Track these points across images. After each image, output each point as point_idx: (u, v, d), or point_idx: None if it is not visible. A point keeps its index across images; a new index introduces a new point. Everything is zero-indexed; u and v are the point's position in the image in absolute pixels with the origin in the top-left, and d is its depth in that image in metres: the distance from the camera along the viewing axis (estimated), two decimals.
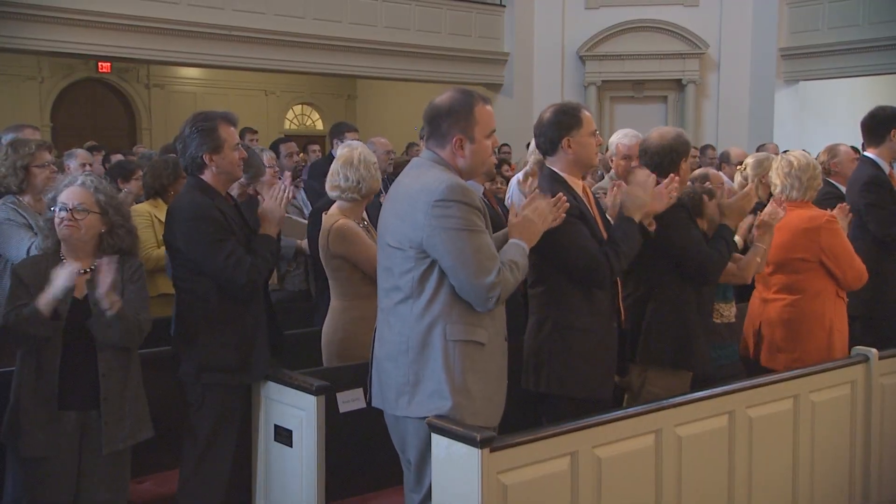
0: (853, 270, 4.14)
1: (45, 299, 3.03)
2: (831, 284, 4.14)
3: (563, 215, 3.14)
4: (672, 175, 3.57)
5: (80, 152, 6.35)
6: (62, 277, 3.03)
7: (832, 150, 6.51)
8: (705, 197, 3.82)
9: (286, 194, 3.63)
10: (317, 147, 8.85)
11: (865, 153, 5.04)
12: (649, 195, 3.43)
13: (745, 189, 3.92)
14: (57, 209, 3.17)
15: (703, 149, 9.83)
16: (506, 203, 5.09)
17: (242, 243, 3.45)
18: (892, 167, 5.14)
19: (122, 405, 3.22)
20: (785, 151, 5.17)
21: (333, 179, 3.99)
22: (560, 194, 3.17)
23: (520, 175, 5.33)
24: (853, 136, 8.18)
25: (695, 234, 3.68)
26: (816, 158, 7.42)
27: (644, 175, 3.47)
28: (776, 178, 4.28)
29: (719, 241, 3.72)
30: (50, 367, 3.12)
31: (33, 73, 15.69)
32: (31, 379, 3.13)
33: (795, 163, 4.22)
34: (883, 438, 3.96)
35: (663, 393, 3.59)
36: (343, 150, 4.08)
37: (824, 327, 4.13)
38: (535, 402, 3.48)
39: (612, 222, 3.53)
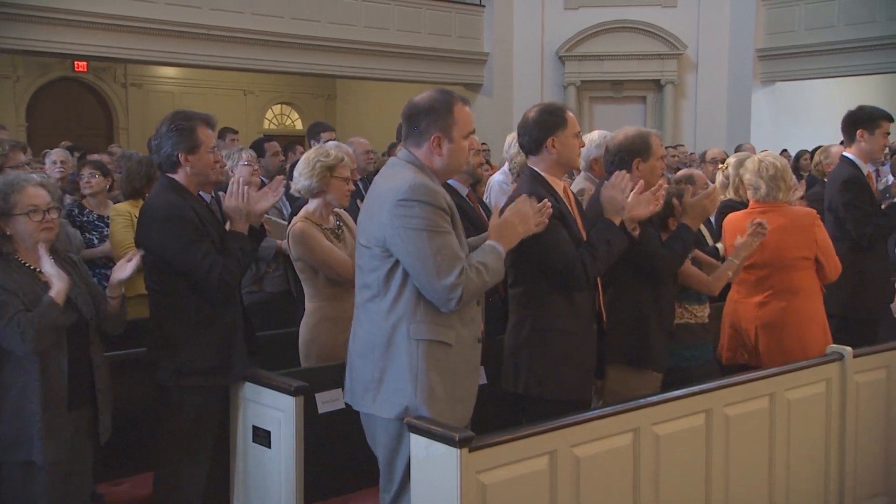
0: (835, 263, 4.24)
1: (58, 290, 3.06)
2: (818, 281, 4.23)
3: (546, 221, 3.14)
4: (660, 183, 3.57)
5: (55, 151, 6.35)
6: (48, 266, 3.09)
7: (825, 151, 6.60)
8: (675, 199, 3.85)
9: (243, 189, 3.48)
10: (301, 148, 8.82)
11: (845, 153, 5.09)
12: (626, 196, 3.43)
13: (709, 189, 3.91)
14: None
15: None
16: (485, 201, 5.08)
17: (217, 244, 3.41)
18: (877, 167, 5.19)
19: (108, 394, 3.32)
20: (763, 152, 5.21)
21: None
22: (545, 200, 3.17)
23: (498, 175, 5.34)
24: (829, 137, 8.28)
25: (648, 232, 3.66)
26: (811, 159, 7.53)
27: (619, 177, 3.47)
28: (750, 180, 4.31)
29: (675, 240, 3.73)
30: (56, 368, 3.09)
31: (8, 72, 15.50)
32: (34, 382, 3.05)
33: (767, 165, 4.23)
34: (858, 436, 4.00)
35: (625, 391, 3.61)
36: None
37: (819, 324, 4.21)
38: (515, 402, 3.48)
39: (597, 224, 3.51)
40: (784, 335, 4.16)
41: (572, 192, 3.62)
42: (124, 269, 3.27)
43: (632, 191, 3.46)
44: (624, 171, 3.53)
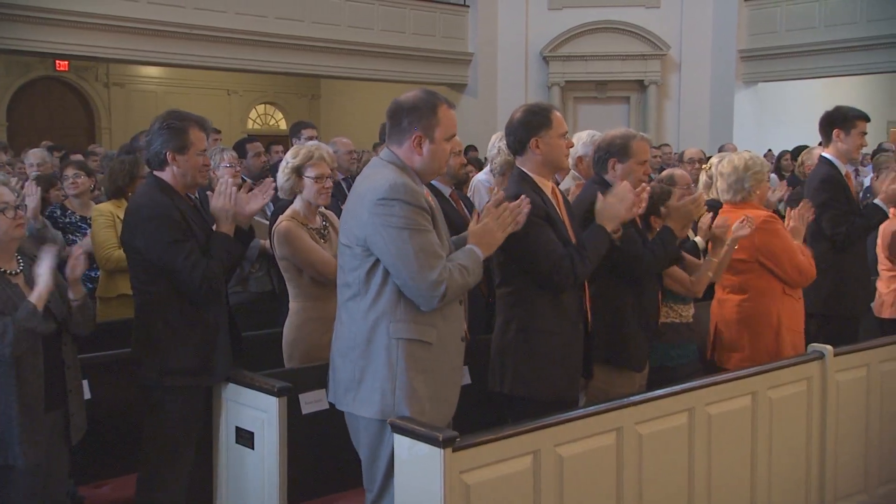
0: (795, 269, 4.16)
1: (39, 295, 3.01)
2: (777, 283, 4.17)
3: (523, 220, 3.11)
4: (643, 185, 3.56)
5: (33, 151, 6.34)
6: (45, 268, 3.03)
7: (809, 153, 6.67)
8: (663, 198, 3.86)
9: (230, 190, 3.46)
10: (280, 147, 8.80)
11: (823, 154, 5.13)
12: (626, 209, 3.42)
13: (695, 195, 3.90)
14: None
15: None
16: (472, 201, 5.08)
17: (202, 244, 3.39)
18: (857, 168, 5.21)
19: (80, 393, 3.29)
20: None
21: None
22: (522, 197, 3.15)
23: (482, 175, 5.35)
24: (811, 137, 8.32)
25: (629, 233, 3.64)
26: (797, 160, 7.57)
27: (624, 189, 3.44)
28: (717, 182, 4.33)
29: (656, 243, 3.72)
30: (33, 371, 3.06)
31: None
32: (11, 386, 3.02)
33: (728, 166, 4.23)
34: (839, 434, 4.03)
35: (610, 390, 3.63)
36: None
37: (771, 326, 4.16)
38: (501, 403, 3.48)
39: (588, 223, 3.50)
40: (733, 333, 4.22)
41: (561, 192, 3.62)
42: (77, 268, 3.21)
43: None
44: (627, 183, 3.48)
